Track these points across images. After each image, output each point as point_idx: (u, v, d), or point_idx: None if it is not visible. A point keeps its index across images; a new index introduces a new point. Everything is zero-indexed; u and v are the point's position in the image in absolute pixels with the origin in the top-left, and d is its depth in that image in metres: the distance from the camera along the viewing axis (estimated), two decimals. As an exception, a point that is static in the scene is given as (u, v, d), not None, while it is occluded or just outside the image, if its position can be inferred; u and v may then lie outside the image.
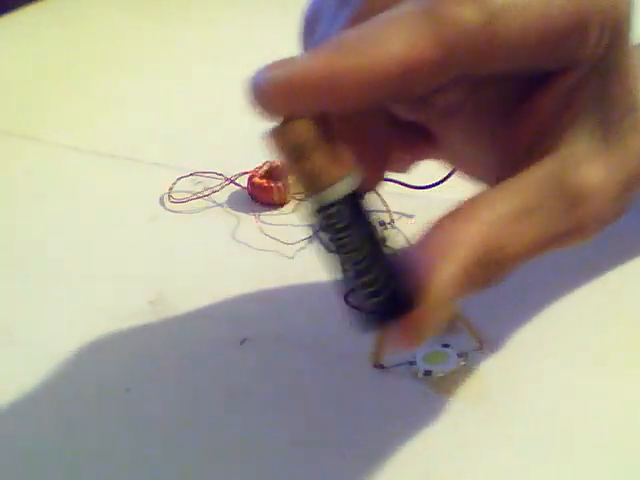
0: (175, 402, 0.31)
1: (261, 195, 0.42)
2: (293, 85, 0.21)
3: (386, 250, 0.21)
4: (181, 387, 0.32)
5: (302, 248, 0.39)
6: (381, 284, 0.20)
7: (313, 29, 0.27)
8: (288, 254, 0.38)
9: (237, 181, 0.43)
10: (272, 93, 0.21)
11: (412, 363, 0.32)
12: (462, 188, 0.41)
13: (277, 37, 0.63)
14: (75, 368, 0.33)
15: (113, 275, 0.38)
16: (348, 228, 0.20)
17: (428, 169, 0.39)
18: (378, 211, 0.39)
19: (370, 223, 0.21)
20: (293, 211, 0.41)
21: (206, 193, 0.43)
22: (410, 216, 0.40)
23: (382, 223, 0.39)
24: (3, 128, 0.51)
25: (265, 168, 0.43)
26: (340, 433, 0.30)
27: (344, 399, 0.31)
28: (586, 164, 0.25)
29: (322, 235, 0.20)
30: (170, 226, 0.41)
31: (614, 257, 0.37)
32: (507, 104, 0.26)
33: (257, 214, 0.41)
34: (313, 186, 0.20)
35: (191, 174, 0.44)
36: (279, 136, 0.20)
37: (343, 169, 0.20)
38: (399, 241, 0.24)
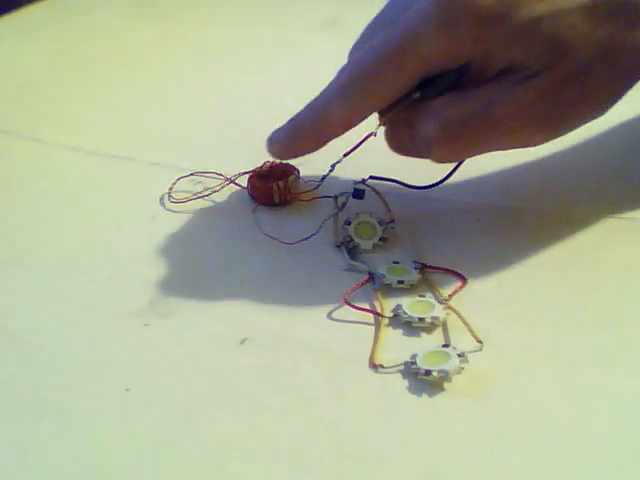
0: (175, 402, 0.31)
1: (261, 195, 0.42)
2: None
3: None
4: (181, 387, 0.32)
5: (302, 248, 0.38)
6: None
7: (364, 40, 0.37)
8: (288, 254, 0.38)
9: (237, 181, 0.43)
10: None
11: (412, 363, 0.32)
12: (462, 188, 0.42)
13: (276, 37, 0.63)
14: (75, 368, 0.33)
15: (113, 275, 0.38)
16: None
17: (428, 169, 0.39)
18: (378, 211, 0.40)
19: None
20: (293, 211, 0.41)
21: (206, 193, 0.43)
22: (410, 216, 0.40)
23: (382, 223, 0.39)
24: (3, 128, 0.51)
25: (265, 168, 0.43)
26: (340, 433, 0.30)
27: (344, 399, 0.31)
28: None
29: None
30: (170, 226, 0.41)
31: (614, 257, 0.38)
32: None
33: (257, 214, 0.41)
34: None
35: (191, 174, 0.44)
36: None
37: None
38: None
